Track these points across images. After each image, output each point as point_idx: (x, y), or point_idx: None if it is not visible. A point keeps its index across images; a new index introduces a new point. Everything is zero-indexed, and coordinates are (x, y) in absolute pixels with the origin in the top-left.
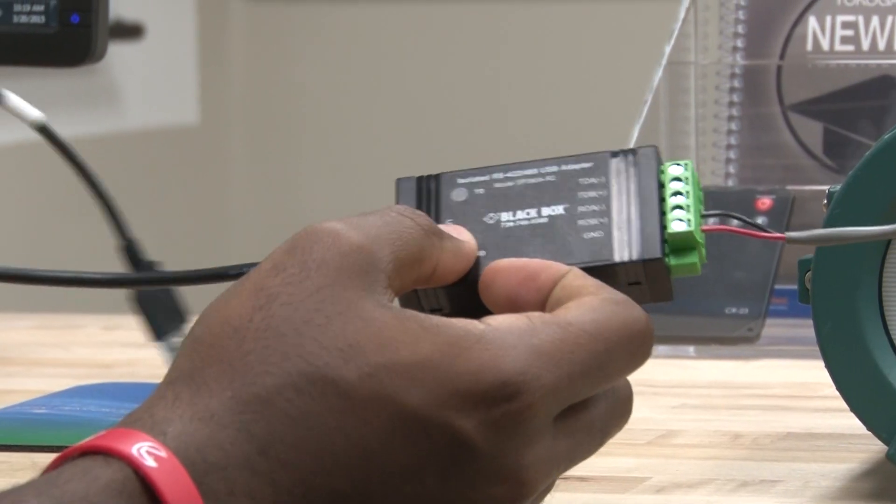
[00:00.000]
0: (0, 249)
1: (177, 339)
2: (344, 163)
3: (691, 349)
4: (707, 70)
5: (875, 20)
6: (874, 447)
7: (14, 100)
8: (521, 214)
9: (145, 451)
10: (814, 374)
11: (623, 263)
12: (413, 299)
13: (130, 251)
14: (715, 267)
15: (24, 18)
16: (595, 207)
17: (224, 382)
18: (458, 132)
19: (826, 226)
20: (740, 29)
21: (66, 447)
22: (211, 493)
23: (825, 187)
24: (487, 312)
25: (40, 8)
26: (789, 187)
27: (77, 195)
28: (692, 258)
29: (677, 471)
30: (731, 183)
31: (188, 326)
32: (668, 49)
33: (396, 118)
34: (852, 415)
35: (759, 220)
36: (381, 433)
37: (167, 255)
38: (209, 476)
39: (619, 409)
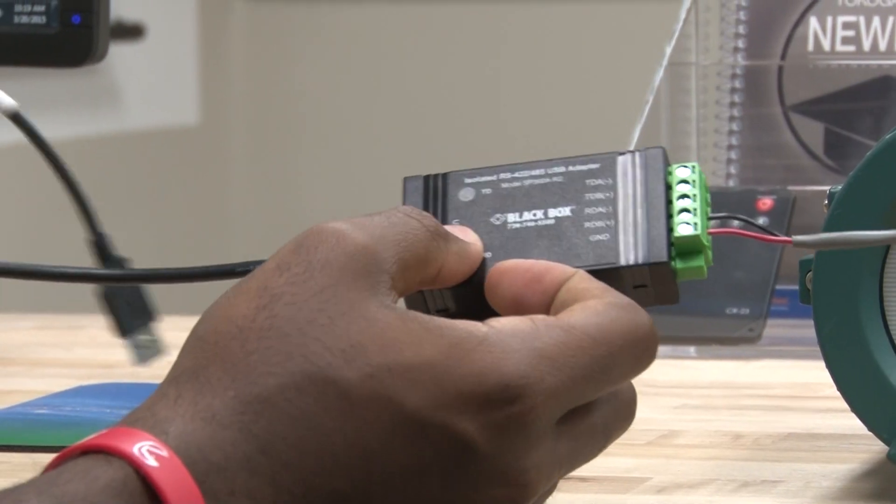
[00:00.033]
0: (1, 249)
1: (143, 337)
2: (344, 163)
3: (692, 349)
4: (708, 70)
5: (876, 20)
6: (875, 447)
7: None
8: (527, 216)
9: (146, 451)
10: (815, 374)
11: (629, 267)
12: (419, 300)
13: (100, 246)
14: (716, 267)
15: (24, 19)
16: (601, 209)
17: (226, 381)
18: (459, 133)
19: (827, 226)
20: (741, 29)
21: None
22: (211, 492)
23: (826, 188)
24: (493, 313)
25: (41, 8)
26: (790, 188)
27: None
28: (698, 261)
29: (678, 471)
30: (732, 183)
31: (155, 325)
32: (669, 49)
33: (397, 119)
34: (853, 415)
35: (761, 221)
36: (382, 434)
37: (168, 256)
38: (210, 476)
39: (623, 412)
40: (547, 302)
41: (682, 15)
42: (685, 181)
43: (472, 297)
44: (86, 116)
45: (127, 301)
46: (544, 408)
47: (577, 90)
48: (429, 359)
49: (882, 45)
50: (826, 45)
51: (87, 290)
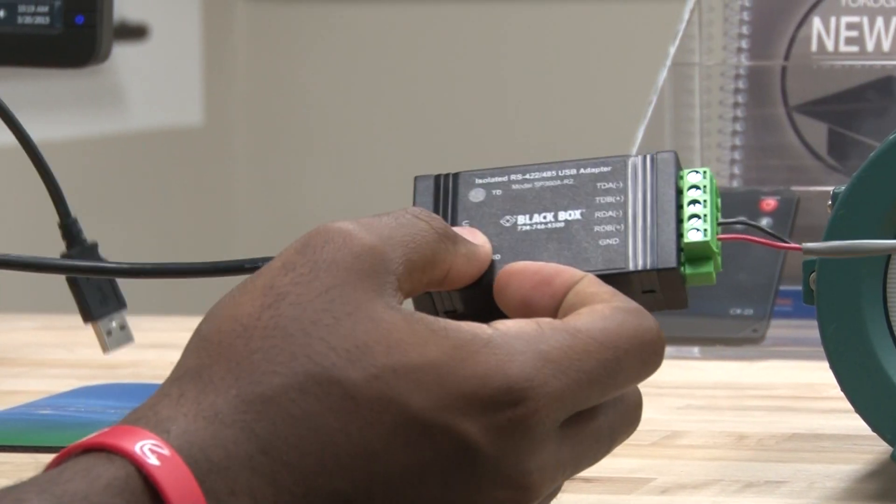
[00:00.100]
0: (7, 248)
1: (110, 324)
2: (347, 164)
3: (696, 350)
4: (711, 71)
5: (879, 21)
6: (879, 448)
7: None
8: (537, 218)
9: (148, 449)
10: (818, 375)
11: (637, 272)
12: (427, 301)
13: (73, 230)
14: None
15: (28, 19)
16: (612, 213)
17: (230, 381)
18: (462, 133)
19: (830, 227)
20: (745, 30)
21: None
22: (212, 492)
23: (830, 188)
24: (502, 315)
25: (45, 9)
26: (794, 188)
27: (79, 196)
28: (707, 268)
29: (682, 472)
30: (735, 184)
31: (124, 314)
32: (672, 50)
33: (400, 119)
34: (857, 416)
35: (764, 222)
36: (384, 435)
37: (171, 256)
38: (211, 475)
39: (628, 416)
40: (555, 305)
41: (686, 15)
42: (696, 186)
43: (480, 299)
44: (89, 117)
45: (96, 286)
46: (548, 410)
47: (581, 90)
48: (433, 360)
49: (885, 46)
50: (829, 45)
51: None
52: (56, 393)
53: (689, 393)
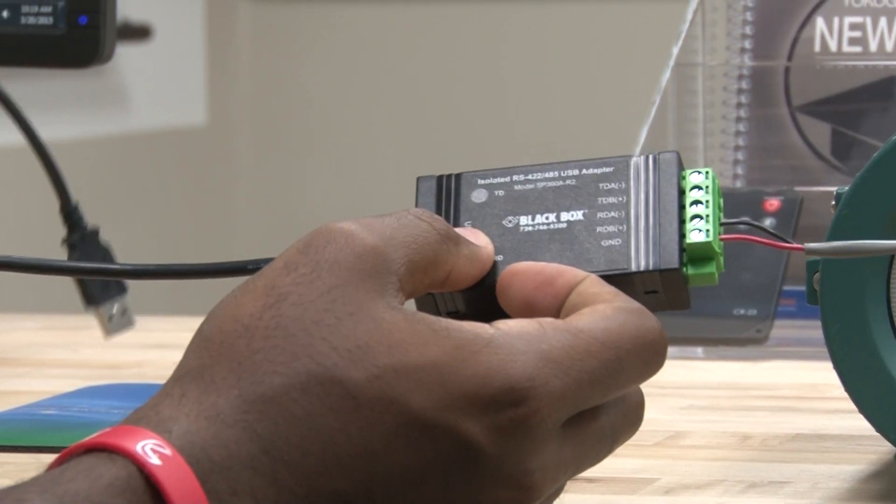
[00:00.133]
0: (13, 249)
1: (111, 310)
2: (350, 164)
3: (699, 350)
4: (715, 71)
5: (883, 21)
6: (882, 448)
7: None
8: (539, 219)
9: (150, 449)
10: (822, 375)
11: (640, 272)
12: (429, 302)
13: (74, 216)
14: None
15: (31, 20)
16: (614, 214)
17: (231, 381)
18: (465, 134)
19: (834, 227)
20: (748, 30)
21: None
22: (214, 492)
23: (833, 188)
24: (504, 316)
25: (48, 9)
26: (797, 188)
27: (82, 196)
28: (710, 268)
29: (685, 472)
30: (739, 184)
31: (125, 299)
32: (675, 50)
33: (403, 120)
34: (861, 416)
35: (768, 222)
36: (385, 435)
37: (173, 256)
38: (213, 475)
39: (630, 416)
40: (558, 305)
41: (689, 16)
42: (698, 187)
43: (482, 299)
44: (92, 117)
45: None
46: (550, 410)
47: (585, 91)
48: (434, 360)
49: (889, 46)
50: (833, 45)
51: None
52: (60, 393)
53: (693, 393)
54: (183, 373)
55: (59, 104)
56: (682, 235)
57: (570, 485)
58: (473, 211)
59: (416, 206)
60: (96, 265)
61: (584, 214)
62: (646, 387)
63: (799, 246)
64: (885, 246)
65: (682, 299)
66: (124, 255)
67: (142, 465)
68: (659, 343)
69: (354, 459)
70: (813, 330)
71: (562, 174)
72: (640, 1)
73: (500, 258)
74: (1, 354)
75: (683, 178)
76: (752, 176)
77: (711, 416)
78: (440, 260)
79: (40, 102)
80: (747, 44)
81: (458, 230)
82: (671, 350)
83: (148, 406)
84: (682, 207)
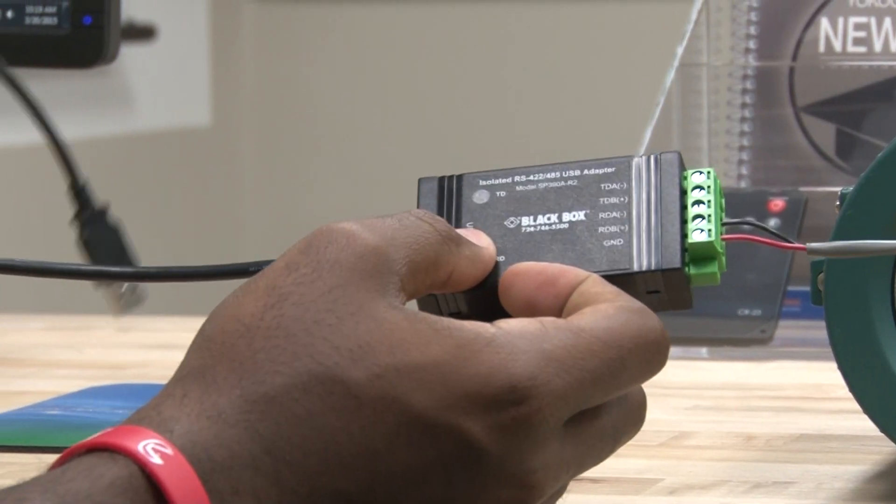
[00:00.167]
0: (11, 252)
1: (121, 288)
2: (355, 164)
3: (704, 350)
4: (719, 72)
5: (887, 22)
6: (887, 448)
7: None
8: (541, 219)
9: (151, 449)
10: (827, 375)
11: (642, 272)
12: (431, 303)
13: (83, 195)
14: (728, 268)
15: (36, 20)
16: (616, 214)
17: (233, 380)
18: (469, 134)
19: (838, 227)
20: (752, 30)
21: None
22: (216, 492)
23: (838, 189)
24: (506, 317)
25: (52, 9)
26: (802, 189)
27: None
28: (712, 268)
29: (690, 472)
30: (743, 184)
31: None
32: (680, 51)
33: (408, 119)
34: (865, 416)
35: (772, 222)
36: (387, 434)
37: (178, 256)
38: (215, 475)
39: (632, 416)
40: (560, 305)
41: (693, 16)
42: (700, 187)
43: (484, 300)
44: (97, 117)
45: (108, 249)
46: (552, 409)
47: (589, 91)
48: (436, 359)
49: (893, 47)
50: (837, 46)
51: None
52: (64, 393)
53: (697, 393)
54: (185, 373)
55: (63, 104)
56: (684, 235)
57: (574, 485)
58: (475, 212)
59: (418, 207)
60: (98, 268)
61: (585, 215)
62: (650, 387)
63: (801, 246)
64: (887, 246)
65: (685, 299)
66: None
67: (143, 464)
68: (661, 342)
69: (356, 459)
70: (817, 330)
71: (563, 175)
72: (645, 1)
73: (501, 259)
74: (6, 355)
75: (685, 178)
76: (757, 176)
77: (716, 416)
78: (441, 260)
79: (44, 102)
80: (752, 44)
81: (459, 231)
82: (676, 350)
83: (150, 406)
84: (683, 207)
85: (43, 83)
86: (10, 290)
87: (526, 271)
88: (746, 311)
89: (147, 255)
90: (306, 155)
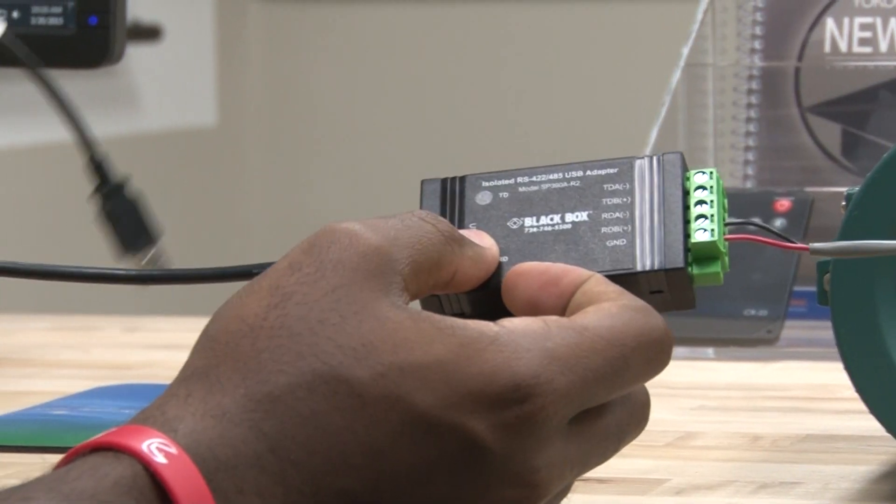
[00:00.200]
0: (21, 250)
1: (144, 259)
2: (360, 165)
3: (710, 351)
4: (725, 72)
5: (893, 22)
6: (893, 449)
7: None
8: (544, 220)
9: (155, 448)
10: (833, 375)
11: (645, 272)
12: (435, 304)
13: (102, 168)
14: (734, 269)
15: (42, 20)
16: (619, 215)
17: (237, 380)
18: (474, 134)
19: (844, 228)
20: (758, 31)
21: None
22: (220, 490)
23: (844, 189)
24: (509, 317)
25: (58, 10)
26: (808, 189)
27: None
28: (715, 267)
29: (696, 472)
30: (749, 185)
31: (158, 246)
32: (685, 51)
33: (413, 120)
34: (871, 417)
35: (778, 223)
36: (391, 433)
37: (184, 256)
38: (219, 474)
39: (636, 415)
40: (563, 305)
41: (699, 16)
42: (702, 187)
43: (487, 301)
44: (103, 118)
45: (128, 221)
46: (555, 407)
47: (595, 91)
48: (439, 358)
49: None
50: (843, 46)
51: (102, 291)
52: (70, 393)
53: (704, 394)
54: (189, 373)
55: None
56: (687, 235)
57: (580, 485)
58: (478, 213)
59: (421, 208)
60: (98, 271)
61: (588, 215)
62: (656, 387)
63: (804, 246)
64: (890, 246)
65: (688, 299)
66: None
67: (147, 463)
68: (664, 341)
69: (361, 458)
70: (823, 331)
71: (566, 176)
72: (650, 1)
73: (505, 259)
74: (12, 355)
75: (687, 178)
76: (763, 176)
77: (722, 416)
78: (444, 261)
79: (50, 103)
80: (757, 44)
81: (462, 232)
82: (682, 351)
83: (154, 406)
84: (686, 207)
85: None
86: (15, 290)
87: (529, 271)
88: (752, 312)
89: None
90: (312, 155)
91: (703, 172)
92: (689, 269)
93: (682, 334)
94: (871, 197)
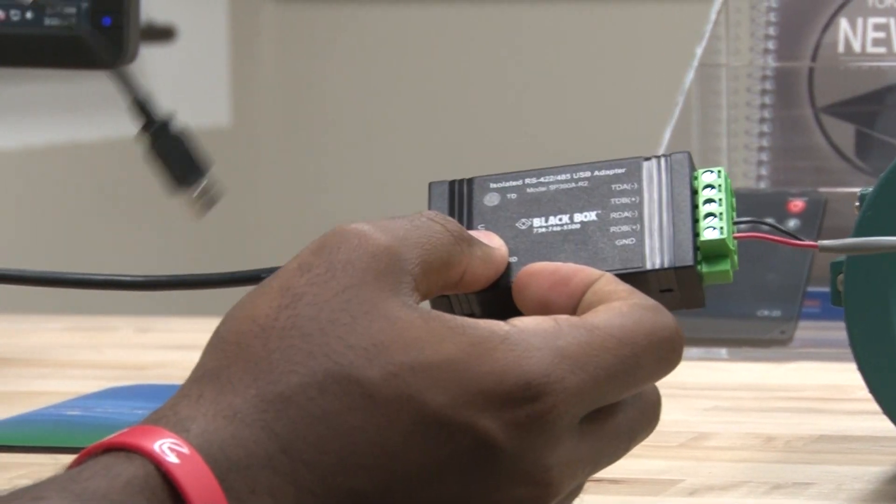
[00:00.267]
0: (29, 253)
1: (195, 193)
2: (374, 164)
3: (723, 351)
4: (738, 72)
5: None
6: None
7: None
8: (553, 220)
9: (167, 448)
10: (846, 376)
11: (655, 271)
12: (445, 304)
13: (146, 107)
14: (747, 269)
15: (55, 21)
16: (627, 214)
17: (248, 381)
18: (487, 135)
19: (858, 228)
20: (772, 31)
21: None
22: (232, 491)
23: (857, 189)
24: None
25: (72, 10)
26: (821, 189)
27: (106, 196)
28: (724, 266)
29: (710, 473)
30: (763, 185)
31: (207, 179)
32: (699, 51)
33: (426, 120)
34: (885, 417)
35: (792, 223)
36: (402, 433)
37: (198, 257)
38: (231, 474)
39: (647, 414)
40: (573, 304)
41: (713, 16)
42: (711, 186)
43: (497, 301)
44: (116, 118)
45: (177, 157)
46: (566, 406)
47: (608, 92)
48: (450, 357)
49: None
50: (856, 46)
51: (119, 292)
52: (84, 394)
53: (717, 394)
54: (200, 374)
55: (82, 105)
56: (696, 234)
57: (593, 485)
58: (486, 214)
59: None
60: (106, 278)
61: (597, 215)
62: (669, 388)
63: (813, 244)
64: None
65: (698, 297)
66: (150, 255)
67: (159, 463)
68: (675, 340)
69: (372, 458)
70: (837, 331)
71: (574, 176)
72: (664, 1)
73: (514, 260)
74: (26, 355)
75: (696, 177)
76: (776, 177)
77: (735, 417)
78: (454, 261)
79: (64, 104)
80: (771, 45)
81: (471, 232)
82: (695, 351)
83: (166, 406)
84: (695, 206)
85: (62, 84)
86: (29, 291)
87: (540, 271)
88: (766, 312)
89: (167, 255)
90: (325, 155)
91: (712, 171)
92: (699, 266)
93: (696, 335)
94: (885, 197)
